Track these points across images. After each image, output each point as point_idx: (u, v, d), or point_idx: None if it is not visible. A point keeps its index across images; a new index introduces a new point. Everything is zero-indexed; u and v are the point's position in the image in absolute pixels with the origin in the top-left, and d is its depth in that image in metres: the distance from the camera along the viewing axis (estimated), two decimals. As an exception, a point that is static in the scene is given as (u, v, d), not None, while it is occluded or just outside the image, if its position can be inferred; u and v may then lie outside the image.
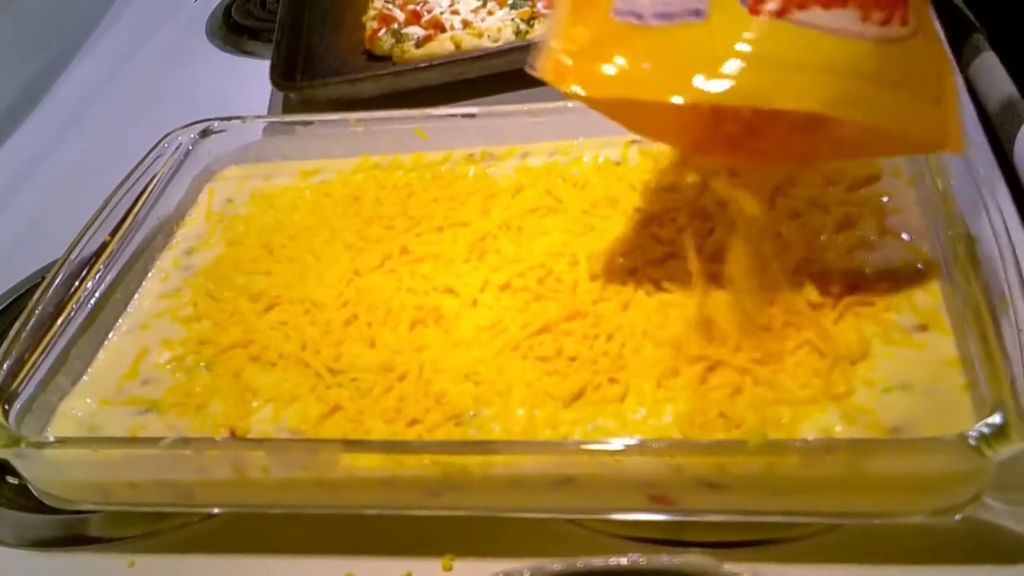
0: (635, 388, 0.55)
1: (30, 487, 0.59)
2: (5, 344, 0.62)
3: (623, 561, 0.51)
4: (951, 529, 0.50)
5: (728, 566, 0.50)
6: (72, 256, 0.69)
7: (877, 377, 0.53)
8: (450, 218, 0.70)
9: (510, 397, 0.56)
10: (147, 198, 0.75)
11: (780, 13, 0.49)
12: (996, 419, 0.45)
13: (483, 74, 0.95)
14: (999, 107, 0.81)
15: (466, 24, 1.01)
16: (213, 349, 0.64)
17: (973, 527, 0.50)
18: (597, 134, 0.75)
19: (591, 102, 0.57)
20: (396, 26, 1.03)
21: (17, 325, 0.63)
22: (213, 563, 0.57)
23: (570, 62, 0.54)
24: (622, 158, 0.73)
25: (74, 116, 1.12)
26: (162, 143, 0.79)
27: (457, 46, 0.98)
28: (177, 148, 0.79)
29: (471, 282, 0.64)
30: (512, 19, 1.00)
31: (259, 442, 0.56)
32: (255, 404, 0.59)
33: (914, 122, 0.52)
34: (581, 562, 0.51)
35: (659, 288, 0.60)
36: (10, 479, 0.64)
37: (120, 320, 0.69)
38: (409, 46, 1.00)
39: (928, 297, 0.57)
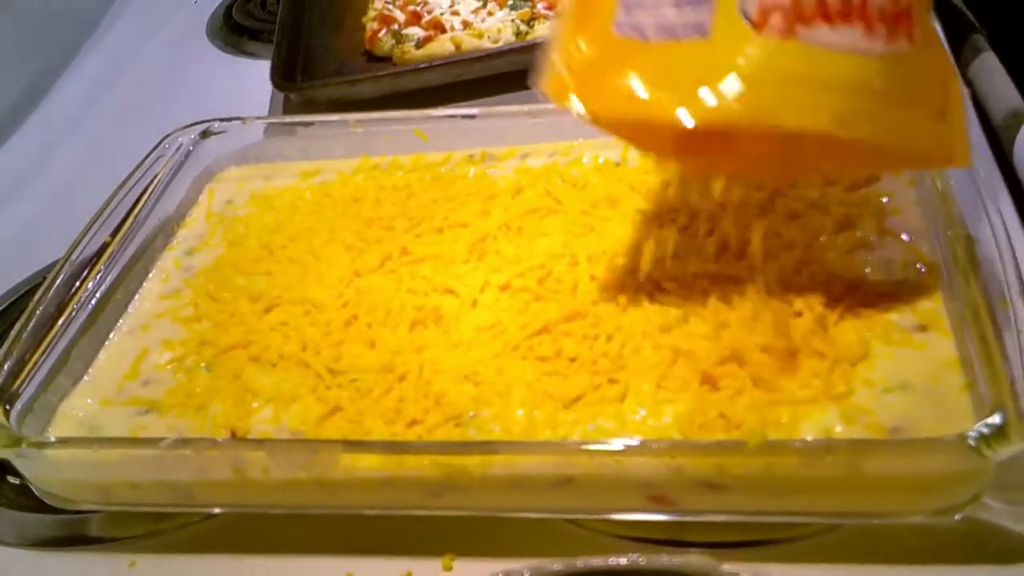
0: (635, 388, 0.55)
1: (31, 487, 0.59)
2: (6, 345, 0.62)
3: (623, 561, 0.51)
4: (951, 529, 0.50)
5: (728, 566, 0.50)
6: (73, 257, 0.69)
7: (877, 377, 0.53)
8: (450, 219, 0.70)
9: (510, 398, 0.56)
10: (148, 199, 0.75)
11: (785, 30, 0.48)
12: (996, 419, 0.45)
13: (483, 75, 0.95)
14: (999, 108, 0.81)
15: (466, 25, 1.01)
16: (213, 350, 0.64)
17: (973, 527, 0.50)
18: (597, 135, 0.73)
19: (591, 120, 0.56)
20: (396, 27, 1.03)
21: (18, 326, 0.63)
22: (213, 563, 0.57)
23: (570, 79, 0.53)
24: (622, 159, 0.73)
25: (74, 117, 1.12)
26: (162, 144, 0.79)
27: (457, 47, 0.98)
28: (177, 149, 0.79)
29: (471, 283, 0.64)
30: (512, 20, 1.00)
31: (259, 442, 0.57)
32: (255, 405, 0.59)
33: (921, 138, 0.52)
34: (581, 562, 0.51)
35: (659, 288, 0.60)
36: (11, 479, 0.64)
37: (121, 321, 0.69)
38: (409, 47, 1.00)
39: (928, 298, 0.57)
